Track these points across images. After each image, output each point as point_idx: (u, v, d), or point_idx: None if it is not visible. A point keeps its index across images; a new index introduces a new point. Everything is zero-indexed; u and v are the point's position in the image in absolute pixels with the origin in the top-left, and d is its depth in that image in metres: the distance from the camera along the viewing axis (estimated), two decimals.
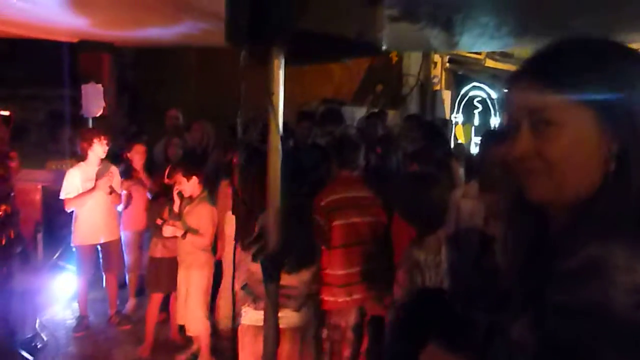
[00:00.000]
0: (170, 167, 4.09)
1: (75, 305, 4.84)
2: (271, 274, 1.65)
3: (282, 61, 1.67)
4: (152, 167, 4.79)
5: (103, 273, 4.78)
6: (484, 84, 9.91)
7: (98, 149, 4.51)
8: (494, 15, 3.79)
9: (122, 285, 5.05)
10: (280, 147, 1.65)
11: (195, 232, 3.78)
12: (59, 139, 6.57)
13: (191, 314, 3.76)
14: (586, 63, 0.76)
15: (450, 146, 4.06)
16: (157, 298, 4.23)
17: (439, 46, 6.06)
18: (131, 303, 4.97)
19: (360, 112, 8.97)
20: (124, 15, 4.27)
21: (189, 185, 3.88)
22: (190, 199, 3.92)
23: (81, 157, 4.57)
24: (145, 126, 6.39)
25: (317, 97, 9.21)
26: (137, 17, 4.35)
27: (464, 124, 10.30)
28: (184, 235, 3.74)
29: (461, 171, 3.77)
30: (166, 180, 4.02)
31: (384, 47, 1.68)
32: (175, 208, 3.87)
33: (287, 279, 2.45)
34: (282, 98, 1.69)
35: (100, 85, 5.58)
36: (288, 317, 2.53)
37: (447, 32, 4.27)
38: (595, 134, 0.75)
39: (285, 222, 1.68)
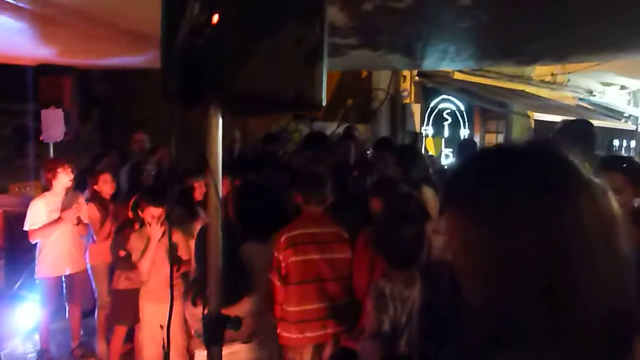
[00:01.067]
0: (137, 198, 4.00)
1: (37, 337, 4.71)
2: (212, 336, 1.62)
3: (220, 120, 1.64)
4: (117, 194, 4.67)
5: (66, 304, 4.66)
6: (452, 96, 10.04)
7: (63, 179, 4.40)
8: (452, 43, 3.85)
9: (86, 314, 4.93)
10: (219, 208, 1.63)
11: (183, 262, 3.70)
12: (25, 155, 6.44)
13: None
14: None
15: (427, 169, 3.97)
16: (121, 331, 4.14)
17: (402, 67, 6.12)
18: (102, 347, 4.57)
19: (331, 128, 9.01)
20: (86, 46, 4.20)
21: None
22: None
23: (46, 188, 4.47)
24: (118, 144, 6.27)
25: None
26: (100, 49, 4.28)
27: (434, 136, 10.41)
28: (178, 267, 3.61)
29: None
30: (130, 214, 3.93)
31: (323, 104, 1.67)
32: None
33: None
34: (220, 156, 1.66)
35: (60, 110, 5.46)
36: (240, 352, 2.52)
37: (408, 57, 4.31)
38: None
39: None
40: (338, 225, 3.00)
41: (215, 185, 1.62)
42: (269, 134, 6.09)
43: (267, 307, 2.88)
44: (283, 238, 2.88)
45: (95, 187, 4.52)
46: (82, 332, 4.74)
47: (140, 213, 3.79)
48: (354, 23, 3.26)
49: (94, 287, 4.63)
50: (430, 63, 4.79)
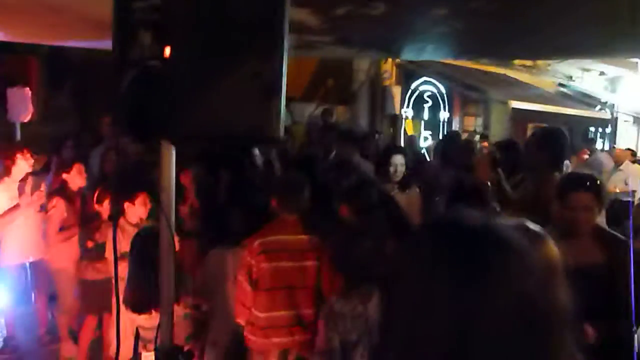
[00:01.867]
0: (100, 190, 3.92)
1: (2, 323, 4.66)
2: None
3: (172, 155, 1.60)
4: (88, 183, 4.52)
5: (32, 291, 4.60)
6: (434, 79, 9.99)
7: (22, 165, 4.28)
8: (429, 43, 3.80)
9: (52, 298, 4.88)
10: (172, 245, 1.60)
11: None
12: None
13: None
14: None
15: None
16: (91, 320, 4.12)
17: (381, 57, 6.04)
18: (67, 347, 4.33)
19: (309, 109, 8.92)
20: (48, 32, 4.03)
21: (135, 209, 3.59)
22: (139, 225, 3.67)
23: (4, 174, 4.33)
24: (91, 124, 6.08)
25: None
26: (63, 33, 4.11)
27: (413, 118, 10.39)
28: None
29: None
30: (95, 206, 3.86)
31: (282, 136, 1.64)
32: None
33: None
34: (173, 190, 1.62)
35: (27, 89, 5.27)
36: None
37: (384, 52, 4.24)
38: None
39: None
40: (313, 233, 2.97)
41: (168, 220, 1.58)
42: None
43: (235, 310, 2.89)
44: (256, 243, 2.86)
45: (65, 176, 4.25)
46: (49, 317, 4.70)
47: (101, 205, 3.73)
48: (326, 25, 3.19)
49: (53, 291, 4.48)
50: (408, 56, 4.74)
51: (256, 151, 4.95)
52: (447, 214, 0.86)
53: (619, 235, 2.74)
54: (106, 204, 3.81)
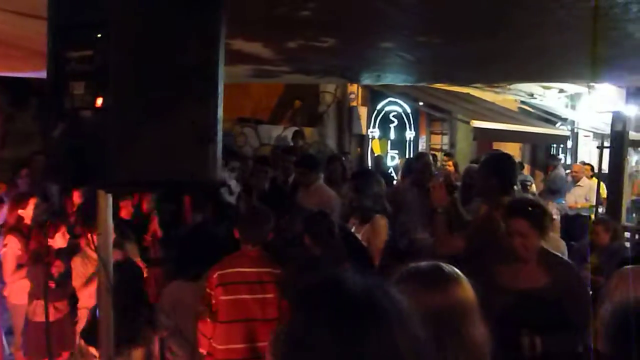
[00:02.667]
0: (50, 223, 3.84)
1: None
2: None
3: (109, 201, 1.61)
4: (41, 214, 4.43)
5: None
6: (399, 99, 10.17)
7: None
8: (384, 72, 3.89)
9: (9, 332, 4.74)
10: (110, 289, 1.60)
11: None
12: None
13: None
14: None
15: (382, 197, 3.73)
16: None
17: (341, 82, 6.12)
18: None
19: (277, 131, 8.97)
20: (4, 62, 3.98)
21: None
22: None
23: None
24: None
25: (235, 112, 9.08)
26: (19, 65, 4.07)
27: (380, 138, 10.54)
28: None
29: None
30: (49, 240, 3.78)
31: (219, 180, 1.66)
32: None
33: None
34: (111, 235, 1.63)
35: None
36: None
37: (343, 79, 4.32)
38: None
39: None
40: (275, 265, 2.97)
41: (105, 266, 1.59)
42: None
43: (198, 340, 2.87)
44: (215, 275, 2.85)
45: (20, 212, 4.09)
46: (6, 347, 4.56)
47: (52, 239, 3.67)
48: (281, 56, 3.24)
49: (11, 325, 4.35)
50: (367, 82, 4.83)
51: (232, 182, 4.96)
52: (330, 275, 0.88)
53: (563, 258, 2.83)
54: (57, 237, 3.73)
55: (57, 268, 3.73)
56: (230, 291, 2.83)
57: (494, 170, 3.10)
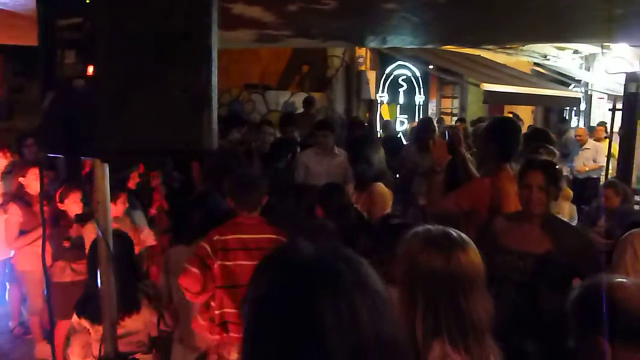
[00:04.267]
0: (63, 189, 3.89)
1: None
2: None
3: (106, 170, 1.61)
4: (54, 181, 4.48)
5: (7, 283, 4.60)
6: (408, 62, 9.99)
7: None
8: (388, 34, 3.80)
9: (24, 299, 4.88)
10: (111, 260, 1.62)
11: None
12: None
13: None
14: None
15: (379, 164, 3.59)
16: (64, 324, 4.12)
17: (347, 47, 5.99)
18: (41, 348, 4.28)
19: (284, 96, 8.90)
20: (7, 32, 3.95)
21: (114, 208, 3.62)
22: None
23: None
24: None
25: (243, 78, 9.01)
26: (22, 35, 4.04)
27: (389, 103, 10.41)
28: None
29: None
30: (59, 205, 3.84)
31: (214, 148, 1.65)
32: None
33: (125, 325, 2.51)
34: (109, 204, 1.64)
35: None
36: None
37: (348, 42, 4.23)
38: None
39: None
40: (277, 230, 2.96)
41: (105, 237, 1.60)
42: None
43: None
44: (215, 239, 2.86)
45: (21, 179, 4.13)
46: (22, 312, 4.70)
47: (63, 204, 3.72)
48: (282, 20, 3.17)
49: (24, 292, 4.46)
50: (372, 45, 4.73)
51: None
52: (289, 246, 0.88)
53: (570, 224, 2.80)
54: (68, 202, 3.78)
55: (74, 231, 3.80)
56: (229, 257, 2.84)
57: (493, 134, 3.02)
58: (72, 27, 1.49)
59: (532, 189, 2.47)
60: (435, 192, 2.93)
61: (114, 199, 3.60)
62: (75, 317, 2.57)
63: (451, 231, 1.48)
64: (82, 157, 1.57)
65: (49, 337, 4.26)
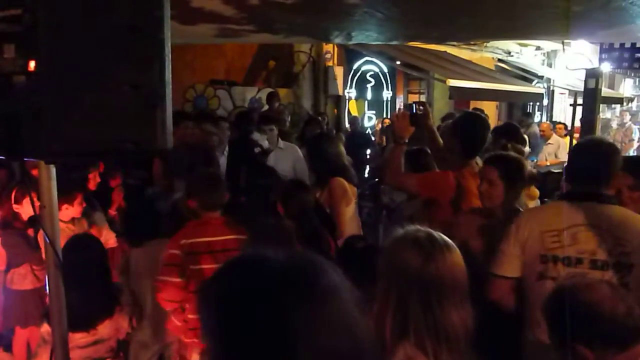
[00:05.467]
0: (17, 189, 3.73)
1: None
2: None
3: (53, 173, 1.52)
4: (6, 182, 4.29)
5: None
6: (375, 58, 10.00)
7: None
8: (353, 30, 3.76)
9: None
10: (59, 267, 1.53)
11: None
12: None
13: None
14: None
15: (337, 159, 3.47)
16: (25, 333, 3.95)
17: (314, 42, 5.95)
18: None
19: (251, 92, 8.77)
20: None
21: (72, 209, 3.49)
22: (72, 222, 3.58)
23: None
24: None
25: (209, 74, 8.83)
26: None
27: (357, 98, 10.42)
28: None
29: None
30: (14, 207, 3.67)
31: (169, 147, 1.58)
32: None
33: (96, 332, 2.43)
34: (56, 208, 1.55)
35: None
36: None
37: (312, 38, 4.19)
38: None
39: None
40: (240, 231, 2.90)
41: (52, 241, 1.51)
42: (178, 111, 5.71)
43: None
44: (182, 242, 2.78)
45: None
46: None
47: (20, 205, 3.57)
48: (244, 14, 3.10)
49: None
50: (336, 41, 4.70)
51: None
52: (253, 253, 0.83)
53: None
54: (25, 203, 3.62)
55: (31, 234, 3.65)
56: (196, 261, 2.77)
57: (457, 130, 3.02)
58: (10, 19, 1.40)
59: (483, 183, 2.53)
60: (396, 164, 2.87)
61: (70, 200, 3.49)
62: (45, 327, 2.45)
63: (436, 234, 1.45)
64: (25, 159, 1.46)
65: (6, 344, 4.09)
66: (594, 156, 2.20)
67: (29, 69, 1.38)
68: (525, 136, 8.92)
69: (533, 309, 2.09)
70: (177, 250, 2.74)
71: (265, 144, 4.80)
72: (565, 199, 2.27)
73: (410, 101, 11.46)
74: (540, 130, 8.26)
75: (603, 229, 2.06)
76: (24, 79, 1.39)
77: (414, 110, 2.95)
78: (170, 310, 2.82)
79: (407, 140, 2.91)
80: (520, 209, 2.58)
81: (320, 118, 7.43)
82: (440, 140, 3.21)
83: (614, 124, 13.09)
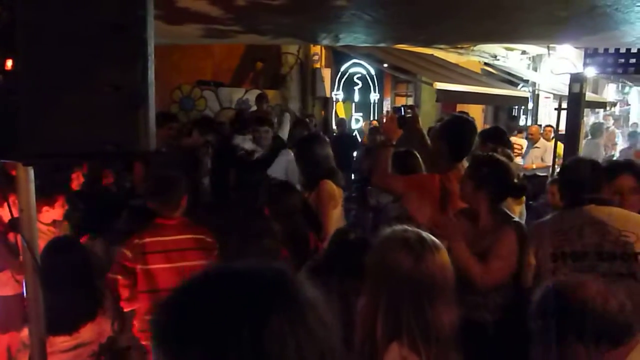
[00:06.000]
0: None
1: None
2: None
3: (30, 173, 1.48)
4: None
5: None
6: (363, 60, 10.01)
7: None
8: (340, 32, 3.75)
9: None
10: (37, 269, 1.49)
11: None
12: None
13: None
14: None
15: (326, 162, 3.44)
16: (5, 339, 3.86)
17: (300, 43, 5.93)
18: None
19: (238, 94, 8.72)
20: None
21: (53, 212, 3.39)
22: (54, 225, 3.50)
23: None
24: None
25: (195, 75, 8.76)
26: None
27: (344, 100, 10.41)
28: None
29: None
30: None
31: (152, 149, 1.55)
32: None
33: (79, 336, 2.39)
34: (34, 211, 1.51)
35: None
36: None
37: (299, 39, 4.17)
38: None
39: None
40: (201, 230, 2.87)
41: (30, 245, 1.47)
42: (162, 112, 5.63)
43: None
44: (135, 242, 2.76)
45: None
46: None
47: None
48: (231, 15, 3.07)
49: None
50: (324, 43, 4.68)
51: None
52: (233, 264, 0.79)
53: (513, 216, 2.79)
54: (5, 206, 3.55)
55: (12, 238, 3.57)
56: (148, 261, 2.75)
57: (445, 133, 3.01)
58: None
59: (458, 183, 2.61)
60: (383, 166, 2.88)
61: (51, 202, 3.42)
62: (25, 331, 2.40)
63: (425, 235, 1.45)
64: (2, 160, 1.42)
65: None
66: (581, 170, 2.45)
67: (6, 68, 1.34)
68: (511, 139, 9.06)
69: None
70: (127, 250, 2.74)
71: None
72: (565, 208, 2.42)
73: (397, 104, 11.50)
74: (528, 134, 8.33)
75: (606, 223, 2.20)
76: (1, 78, 1.35)
77: (403, 113, 2.95)
78: (128, 311, 2.81)
79: (394, 143, 2.91)
80: (509, 213, 2.59)
81: (307, 120, 7.42)
82: (430, 144, 3.22)
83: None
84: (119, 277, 2.69)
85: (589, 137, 9.30)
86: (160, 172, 2.94)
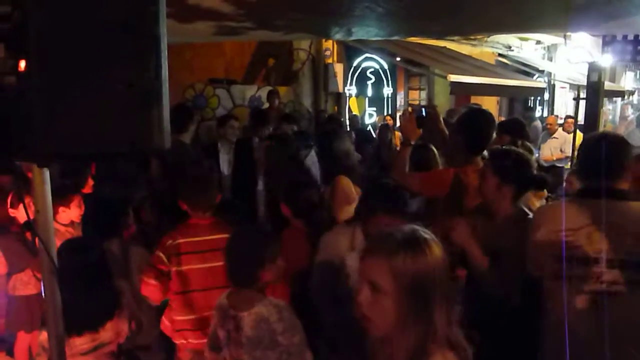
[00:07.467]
0: (14, 193, 3.68)
1: None
2: None
3: (46, 175, 1.47)
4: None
5: None
6: (375, 55, 9.94)
7: None
8: (353, 25, 3.71)
9: None
10: (54, 270, 1.48)
11: None
12: None
13: None
14: None
15: (347, 158, 3.43)
16: (27, 338, 3.90)
17: (314, 38, 5.90)
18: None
19: (251, 91, 8.71)
20: None
21: (69, 212, 3.42)
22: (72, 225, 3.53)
23: None
24: None
25: (208, 73, 8.77)
26: None
27: (357, 95, 10.35)
28: None
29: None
30: (10, 211, 3.63)
31: (167, 147, 1.53)
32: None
33: (98, 337, 2.39)
34: (50, 212, 1.50)
35: None
36: None
37: (313, 34, 4.13)
38: None
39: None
40: (230, 230, 2.86)
41: (46, 247, 1.47)
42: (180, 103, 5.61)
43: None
44: (168, 244, 2.74)
45: None
46: None
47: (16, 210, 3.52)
48: (242, 11, 3.05)
49: None
50: (336, 37, 4.64)
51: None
52: None
53: (528, 213, 2.73)
54: (21, 207, 3.58)
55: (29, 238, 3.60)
56: (182, 262, 2.73)
57: (461, 126, 2.96)
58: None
59: (477, 178, 2.54)
60: (401, 164, 2.87)
61: (67, 202, 3.43)
62: (44, 335, 2.41)
63: (416, 231, 1.39)
64: (17, 162, 1.41)
65: (8, 348, 4.05)
66: (601, 149, 2.12)
67: (19, 69, 1.33)
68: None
69: (552, 307, 2.11)
70: (160, 252, 2.71)
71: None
72: (578, 196, 2.22)
73: (411, 97, 11.40)
74: (546, 124, 8.21)
75: (620, 226, 2.01)
76: (14, 80, 1.34)
77: (424, 114, 2.94)
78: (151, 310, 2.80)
79: (412, 143, 2.89)
80: (525, 210, 2.52)
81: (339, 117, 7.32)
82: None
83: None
84: (152, 280, 2.66)
85: (635, 125, 9.05)
86: (196, 172, 2.91)
